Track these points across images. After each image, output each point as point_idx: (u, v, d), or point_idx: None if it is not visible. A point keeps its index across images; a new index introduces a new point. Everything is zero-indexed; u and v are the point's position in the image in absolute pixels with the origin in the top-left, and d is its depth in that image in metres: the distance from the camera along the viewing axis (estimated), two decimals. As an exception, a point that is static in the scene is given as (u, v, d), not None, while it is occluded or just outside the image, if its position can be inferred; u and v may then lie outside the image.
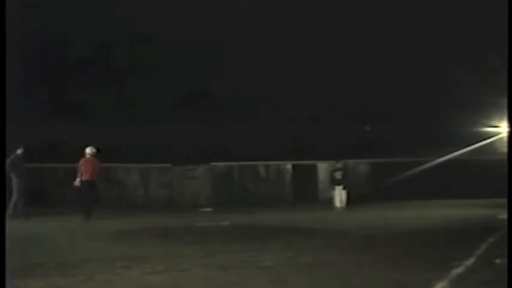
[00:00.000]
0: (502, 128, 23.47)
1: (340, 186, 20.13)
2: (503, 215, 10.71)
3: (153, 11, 26.09)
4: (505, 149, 21.25)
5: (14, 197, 15.40)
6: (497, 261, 7.22)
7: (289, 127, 24.98)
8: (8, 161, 15.27)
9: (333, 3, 26.23)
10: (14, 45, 19.09)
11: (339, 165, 20.87)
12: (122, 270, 7.06)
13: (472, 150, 23.19)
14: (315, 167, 23.08)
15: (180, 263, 7.53)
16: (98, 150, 15.88)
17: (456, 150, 22.79)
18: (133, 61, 26.61)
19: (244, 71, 25.86)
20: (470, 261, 7.37)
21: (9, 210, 15.04)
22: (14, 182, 15.47)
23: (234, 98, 25.96)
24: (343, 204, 19.85)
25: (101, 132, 23.47)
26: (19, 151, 15.80)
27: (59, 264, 7.47)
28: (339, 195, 20.08)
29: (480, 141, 23.56)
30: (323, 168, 22.57)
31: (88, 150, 15.69)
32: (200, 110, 25.86)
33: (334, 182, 20.37)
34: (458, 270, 6.77)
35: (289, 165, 23.37)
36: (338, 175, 20.39)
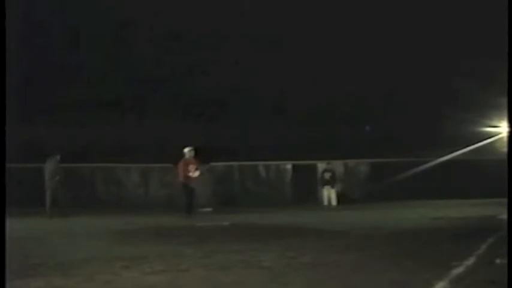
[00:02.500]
0: (502, 128, 23.47)
1: (329, 187, 21.42)
2: (503, 215, 10.70)
3: (154, 9, 26.07)
4: (505, 149, 21.25)
5: (49, 196, 16.75)
6: (497, 261, 7.21)
7: (289, 127, 24.97)
8: (51, 164, 16.96)
9: (338, 5, 26.25)
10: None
11: (329, 166, 21.98)
12: (122, 270, 7.06)
13: (472, 150, 23.19)
14: (315, 167, 23.08)
15: (180, 263, 7.52)
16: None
17: (456, 150, 22.79)
18: (132, 60, 26.57)
19: (244, 70, 25.85)
20: (470, 261, 7.35)
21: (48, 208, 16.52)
22: (51, 184, 16.83)
23: (233, 97, 25.95)
24: (333, 203, 20.92)
25: (101, 133, 23.53)
26: (58, 157, 17.17)
27: (59, 264, 7.47)
28: (327, 195, 21.30)
29: (480, 141, 23.56)
30: (323, 168, 22.58)
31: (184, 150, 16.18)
32: (200, 109, 25.86)
33: (323, 182, 21.62)
34: (458, 270, 6.76)
35: (289, 165, 23.37)
36: (327, 176, 21.56)
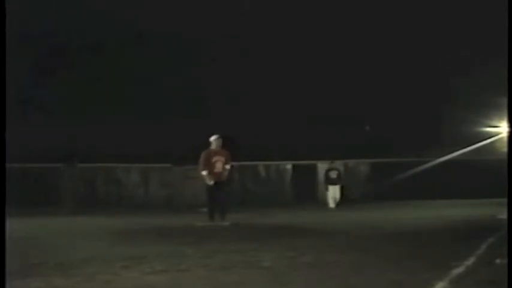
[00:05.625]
0: (502, 128, 23.50)
1: (336, 186, 20.21)
2: (503, 215, 10.70)
3: (152, 10, 26.07)
4: (505, 149, 21.27)
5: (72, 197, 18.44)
6: (497, 261, 7.20)
7: (289, 127, 24.98)
8: (75, 168, 18.83)
9: (336, 5, 26.26)
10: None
11: (334, 165, 21.02)
12: (122, 270, 7.05)
13: (472, 150, 23.21)
14: (315, 167, 23.09)
15: (180, 263, 7.51)
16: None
17: (456, 150, 22.82)
18: (132, 60, 26.56)
19: (245, 70, 25.86)
20: (470, 261, 7.35)
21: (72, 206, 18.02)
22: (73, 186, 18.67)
23: (233, 97, 25.96)
24: (337, 203, 19.94)
25: (101, 132, 23.52)
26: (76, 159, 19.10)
27: (59, 264, 7.46)
28: (333, 195, 20.13)
29: (480, 141, 23.58)
30: (323, 168, 22.57)
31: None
32: (199, 109, 25.86)
33: (328, 182, 20.41)
34: (458, 270, 6.76)
35: (289, 165, 23.38)
36: (333, 174, 20.48)
